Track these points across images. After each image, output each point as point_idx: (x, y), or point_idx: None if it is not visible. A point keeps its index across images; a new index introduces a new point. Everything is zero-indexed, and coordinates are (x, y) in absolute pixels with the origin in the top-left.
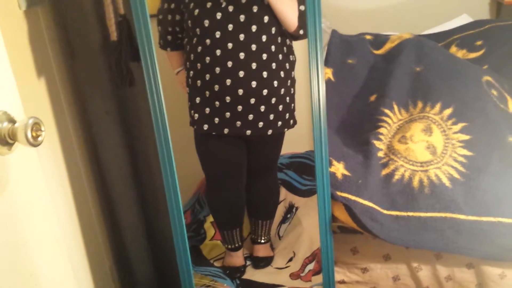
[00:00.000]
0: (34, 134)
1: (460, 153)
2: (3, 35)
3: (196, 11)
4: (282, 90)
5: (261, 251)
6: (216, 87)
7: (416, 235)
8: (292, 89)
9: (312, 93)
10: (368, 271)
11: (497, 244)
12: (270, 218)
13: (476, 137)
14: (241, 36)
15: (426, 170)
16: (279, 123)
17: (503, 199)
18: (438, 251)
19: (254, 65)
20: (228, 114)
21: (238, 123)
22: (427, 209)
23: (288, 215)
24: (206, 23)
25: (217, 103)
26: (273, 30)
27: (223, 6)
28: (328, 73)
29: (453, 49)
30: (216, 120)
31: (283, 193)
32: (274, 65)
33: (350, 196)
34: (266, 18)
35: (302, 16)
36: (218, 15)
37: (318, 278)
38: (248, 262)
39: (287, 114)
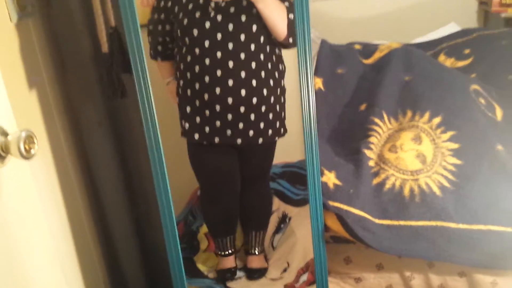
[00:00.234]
0: (27, 147)
1: (450, 161)
2: None
3: (185, 20)
4: (272, 98)
5: (255, 262)
6: (206, 96)
7: (408, 244)
8: (282, 97)
9: (302, 102)
10: (361, 281)
11: (488, 252)
12: (263, 228)
13: (465, 145)
14: (230, 45)
15: (417, 178)
16: (270, 131)
17: (493, 206)
18: (430, 260)
19: (243, 74)
20: (218, 123)
21: (229, 132)
22: (418, 217)
23: (282, 225)
24: (195, 32)
25: (207, 112)
26: (262, 39)
27: (211, 15)
28: (318, 82)
29: (442, 57)
30: (207, 129)
31: (276, 203)
32: (263, 74)
33: (342, 206)
34: (254, 27)
35: (291, 24)
36: (207, 25)
37: None
38: (242, 273)
39: (278, 123)
